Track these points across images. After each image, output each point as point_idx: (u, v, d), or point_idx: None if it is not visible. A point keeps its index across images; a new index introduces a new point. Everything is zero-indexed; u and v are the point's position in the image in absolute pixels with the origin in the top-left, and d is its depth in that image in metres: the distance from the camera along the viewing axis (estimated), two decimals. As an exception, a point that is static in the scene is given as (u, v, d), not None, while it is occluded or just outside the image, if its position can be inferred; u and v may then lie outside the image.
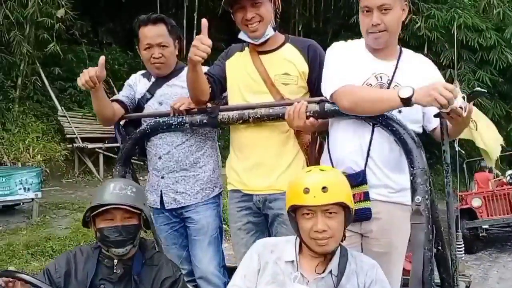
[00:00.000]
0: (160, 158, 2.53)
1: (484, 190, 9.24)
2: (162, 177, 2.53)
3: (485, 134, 3.48)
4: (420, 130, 2.23)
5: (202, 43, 2.09)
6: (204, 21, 2.11)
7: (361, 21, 2.16)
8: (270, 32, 2.34)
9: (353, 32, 12.27)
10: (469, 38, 9.75)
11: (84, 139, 9.71)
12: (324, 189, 1.73)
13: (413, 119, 2.16)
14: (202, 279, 2.51)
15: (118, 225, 2.00)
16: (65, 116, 9.79)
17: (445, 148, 2.09)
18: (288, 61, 2.34)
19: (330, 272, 1.82)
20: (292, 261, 1.84)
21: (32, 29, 9.06)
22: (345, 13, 11.93)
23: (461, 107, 1.88)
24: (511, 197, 8.74)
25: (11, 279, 1.84)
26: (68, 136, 9.67)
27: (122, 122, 2.56)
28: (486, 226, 8.65)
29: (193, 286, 2.52)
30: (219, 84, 2.38)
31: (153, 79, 2.60)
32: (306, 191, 1.74)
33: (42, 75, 9.77)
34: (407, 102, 1.92)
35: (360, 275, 1.84)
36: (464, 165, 10.81)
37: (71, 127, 9.70)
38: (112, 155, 9.69)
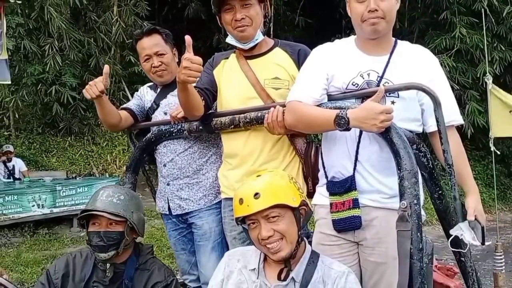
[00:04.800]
0: (164, 165, 2.58)
1: None
2: (168, 184, 2.58)
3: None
4: (420, 129, 2.03)
5: (193, 63, 1.98)
6: (188, 38, 2.02)
7: (353, 10, 2.00)
8: (259, 36, 2.28)
9: (442, 29, 11.57)
10: None
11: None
12: (256, 195, 1.66)
13: (409, 118, 1.98)
14: (206, 285, 2.48)
15: (100, 231, 2.07)
16: (148, 129, 10.40)
17: (444, 147, 1.87)
18: (278, 65, 2.26)
19: (293, 279, 1.73)
20: (255, 269, 1.78)
21: (117, 51, 9.76)
22: (433, 11, 11.32)
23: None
24: None
25: None
26: (149, 148, 10.26)
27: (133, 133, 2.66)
28: None
29: (200, 291, 2.51)
30: (210, 95, 2.34)
31: (158, 90, 2.67)
32: (241, 201, 1.69)
33: (127, 92, 10.43)
34: (345, 130, 1.85)
35: (328, 283, 1.73)
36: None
37: (152, 138, 10.27)
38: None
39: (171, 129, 2.46)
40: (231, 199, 2.25)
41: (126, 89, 10.37)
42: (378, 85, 1.94)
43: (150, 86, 2.75)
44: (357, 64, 2.00)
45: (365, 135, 1.96)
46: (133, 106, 2.64)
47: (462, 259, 2.17)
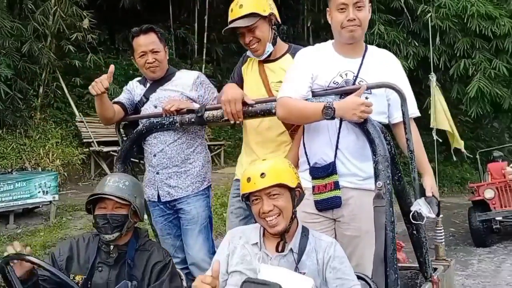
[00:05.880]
0: (154, 155, 2.79)
1: (497, 181, 8.89)
2: (157, 173, 2.79)
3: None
4: (386, 121, 2.42)
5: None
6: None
7: (334, 18, 2.36)
8: (269, 48, 2.65)
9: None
10: (483, 27, 9.68)
11: (100, 143, 10.03)
12: (262, 175, 1.94)
13: (379, 111, 2.35)
14: (194, 265, 2.76)
15: (107, 213, 2.25)
16: (83, 122, 10.15)
17: (408, 137, 2.26)
18: (284, 71, 2.58)
19: (291, 250, 2.02)
20: (257, 243, 2.06)
21: (53, 40, 9.49)
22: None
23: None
24: None
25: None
26: (85, 140, 9.99)
27: (121, 124, 2.84)
28: (500, 218, 8.32)
29: (186, 273, 2.73)
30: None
31: (148, 85, 2.87)
32: (248, 180, 1.96)
33: (62, 83, 10.16)
34: (330, 119, 2.19)
35: (319, 252, 2.03)
36: (478, 156, 10.71)
37: (88, 132, 10.04)
38: (127, 158, 10.12)
39: (163, 122, 2.67)
40: (238, 180, 2.63)
41: (61, 79, 10.11)
42: (354, 83, 2.32)
43: (139, 81, 2.93)
44: (336, 65, 2.36)
45: (344, 126, 2.32)
46: (124, 100, 2.81)
47: (414, 232, 2.59)
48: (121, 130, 2.85)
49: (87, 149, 10.00)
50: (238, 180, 2.68)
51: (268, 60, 2.70)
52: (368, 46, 2.45)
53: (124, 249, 2.33)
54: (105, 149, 9.86)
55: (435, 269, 2.65)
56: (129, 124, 2.85)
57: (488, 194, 8.49)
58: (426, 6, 9.82)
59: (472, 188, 9.07)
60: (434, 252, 3.10)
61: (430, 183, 2.38)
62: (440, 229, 3.13)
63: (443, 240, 3.10)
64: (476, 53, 9.98)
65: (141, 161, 2.94)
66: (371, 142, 2.20)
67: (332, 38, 2.50)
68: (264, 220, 1.98)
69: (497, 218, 8.30)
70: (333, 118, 2.19)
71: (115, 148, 9.99)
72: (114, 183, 2.29)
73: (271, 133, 2.68)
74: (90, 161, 10.06)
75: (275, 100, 2.44)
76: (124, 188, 2.28)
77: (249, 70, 2.77)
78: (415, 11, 10.41)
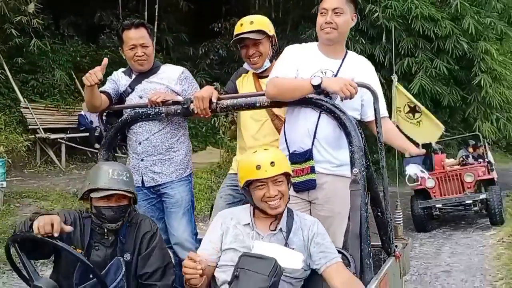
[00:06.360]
0: (140, 143, 2.92)
1: (437, 172, 9.55)
2: (142, 160, 2.93)
3: (426, 129, 4.18)
4: (358, 117, 2.70)
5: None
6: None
7: (317, 20, 2.65)
8: (267, 64, 2.95)
9: (313, 23, 12.60)
10: (425, 28, 10.07)
11: (46, 130, 9.84)
12: (272, 163, 2.16)
13: (353, 107, 2.63)
14: (178, 245, 2.93)
15: (113, 206, 2.35)
16: (28, 108, 9.87)
17: (378, 130, 2.55)
18: None
19: (280, 229, 2.25)
20: (249, 223, 2.26)
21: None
22: (304, 4, 12.26)
23: None
24: (463, 177, 9.12)
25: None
26: (30, 127, 9.74)
27: (104, 113, 2.94)
28: (440, 205, 8.97)
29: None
30: None
31: (133, 76, 2.99)
32: (258, 167, 2.16)
33: (5, 67, 9.80)
34: (317, 88, 2.42)
35: (304, 230, 2.27)
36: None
37: (33, 118, 9.79)
38: (74, 145, 9.97)
39: (149, 112, 2.80)
40: (234, 174, 2.87)
41: (4, 64, 9.74)
42: None
43: (124, 72, 3.04)
44: (318, 63, 2.62)
45: (322, 119, 2.58)
46: (110, 90, 2.91)
47: (379, 214, 2.88)
48: (104, 119, 2.94)
49: (33, 136, 9.73)
50: (234, 173, 2.94)
51: (262, 76, 2.95)
52: (349, 51, 2.74)
53: (117, 228, 2.43)
54: (52, 136, 9.67)
55: (396, 246, 2.96)
56: (112, 113, 2.95)
57: (429, 183, 9.13)
58: (373, 6, 10.18)
59: (415, 178, 9.60)
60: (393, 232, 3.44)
61: (410, 146, 2.74)
62: (399, 212, 3.48)
63: (402, 221, 3.44)
64: (419, 52, 10.37)
65: (122, 149, 3.04)
66: (348, 134, 2.46)
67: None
68: (266, 204, 2.19)
69: (437, 206, 8.95)
70: (319, 87, 2.41)
71: (62, 135, 9.84)
72: (118, 176, 2.36)
73: (267, 139, 2.89)
74: (35, 148, 9.81)
75: (241, 97, 2.72)
76: (127, 181, 2.40)
77: (245, 84, 3.03)
78: (363, 10, 10.84)
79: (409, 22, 10.15)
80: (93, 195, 2.36)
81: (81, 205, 7.95)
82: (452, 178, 9.25)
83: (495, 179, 9.35)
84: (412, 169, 2.55)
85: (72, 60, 11.47)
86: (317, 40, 2.75)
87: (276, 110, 2.88)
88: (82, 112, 10.69)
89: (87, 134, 10.39)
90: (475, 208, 8.91)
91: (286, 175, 2.23)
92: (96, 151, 11.02)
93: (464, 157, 10.43)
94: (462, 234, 8.58)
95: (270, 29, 2.95)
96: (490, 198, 8.57)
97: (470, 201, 8.86)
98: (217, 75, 12.66)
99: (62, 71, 10.83)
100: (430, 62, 10.34)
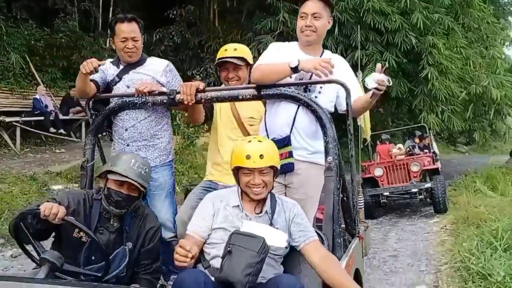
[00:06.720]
0: (126, 130, 3.07)
1: (385, 161, 10.07)
2: (128, 145, 3.08)
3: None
4: (333, 109, 2.97)
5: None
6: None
7: (297, 23, 2.92)
8: None
9: (268, 12, 12.88)
10: (376, 21, 10.43)
11: (0, 113, 9.70)
12: (261, 156, 2.37)
13: (329, 100, 2.91)
14: (161, 225, 3.09)
15: (124, 193, 2.51)
16: (-18, 90, 9.62)
17: (349, 123, 2.82)
18: (253, 107, 3.20)
19: (266, 211, 2.49)
20: (238, 205, 2.48)
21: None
22: (260, -6, 12.42)
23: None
24: (410, 167, 9.56)
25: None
26: (-16, 110, 9.55)
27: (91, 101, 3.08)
28: (387, 194, 9.36)
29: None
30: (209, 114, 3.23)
31: (121, 66, 3.14)
32: (248, 157, 2.37)
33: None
34: (295, 69, 2.66)
35: (286, 212, 2.51)
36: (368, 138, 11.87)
37: (-13, 102, 9.57)
38: (29, 129, 9.86)
39: (135, 101, 2.96)
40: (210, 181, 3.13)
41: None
42: (310, 78, 2.82)
43: (112, 62, 3.18)
44: (299, 58, 2.81)
45: (300, 112, 2.84)
46: (98, 78, 3.03)
47: (345, 198, 3.17)
48: (91, 106, 3.07)
49: (-13, 119, 9.50)
50: (209, 181, 3.22)
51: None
52: (325, 50, 3.01)
53: (123, 216, 2.59)
54: (7, 119, 9.48)
55: (360, 228, 3.27)
56: (99, 101, 3.09)
57: (377, 172, 9.60)
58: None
59: (363, 167, 9.97)
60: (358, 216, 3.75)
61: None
62: (361, 197, 3.80)
63: (363, 205, 3.77)
64: (369, 45, 10.72)
65: (107, 134, 3.19)
66: (323, 126, 2.72)
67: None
68: (250, 189, 2.42)
69: (384, 194, 9.36)
70: (297, 68, 2.65)
71: (17, 118, 9.65)
72: (139, 168, 2.53)
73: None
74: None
75: (227, 89, 2.93)
76: (145, 175, 2.56)
77: (222, 106, 3.24)
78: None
79: (361, 15, 10.48)
80: (110, 176, 2.52)
81: (39, 188, 7.85)
82: (399, 167, 9.65)
83: (440, 169, 9.83)
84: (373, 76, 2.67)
85: (26, 44, 11.20)
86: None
87: (251, 131, 3.12)
88: (37, 96, 10.50)
89: (42, 118, 10.24)
90: (420, 197, 9.36)
91: (273, 167, 2.45)
92: (51, 134, 10.93)
93: (410, 147, 10.86)
94: (407, 221, 8.97)
95: (250, 58, 3.24)
96: (434, 187, 8.97)
97: (416, 190, 9.28)
98: (171, 62, 12.63)
99: (17, 54, 10.56)
100: (380, 54, 10.71)
